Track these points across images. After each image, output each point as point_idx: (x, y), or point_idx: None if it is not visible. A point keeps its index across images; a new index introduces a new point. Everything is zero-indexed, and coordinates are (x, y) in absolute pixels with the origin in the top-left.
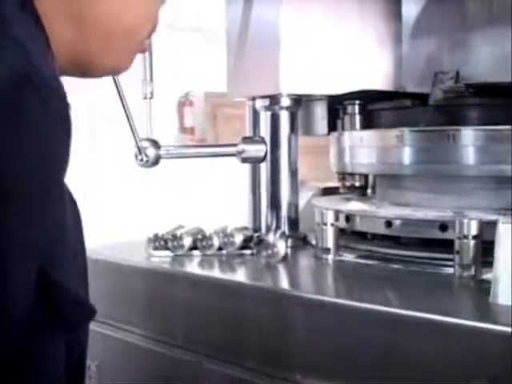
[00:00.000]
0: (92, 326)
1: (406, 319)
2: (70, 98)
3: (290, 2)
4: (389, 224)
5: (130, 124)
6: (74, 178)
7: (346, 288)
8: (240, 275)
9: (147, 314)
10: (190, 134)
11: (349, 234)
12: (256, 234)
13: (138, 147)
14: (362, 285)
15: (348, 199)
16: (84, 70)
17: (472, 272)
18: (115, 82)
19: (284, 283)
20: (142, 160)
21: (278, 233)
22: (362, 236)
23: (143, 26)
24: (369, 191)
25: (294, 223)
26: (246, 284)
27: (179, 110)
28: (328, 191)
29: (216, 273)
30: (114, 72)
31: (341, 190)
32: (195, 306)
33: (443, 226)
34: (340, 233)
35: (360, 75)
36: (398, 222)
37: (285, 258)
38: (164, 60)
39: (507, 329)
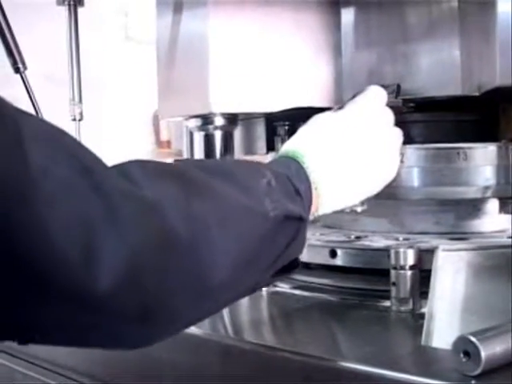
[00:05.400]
0: None
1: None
2: None
3: (218, 15)
4: (333, 254)
5: None
6: None
7: (268, 330)
8: None
9: None
10: (167, 148)
11: None
12: None
13: None
14: (287, 323)
15: None
16: None
17: (410, 306)
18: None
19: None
20: None
21: None
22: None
23: None
24: None
25: None
26: None
27: (155, 123)
28: None
29: None
30: None
31: None
32: None
33: (381, 256)
34: None
35: (297, 91)
36: (340, 251)
37: None
38: (137, 74)
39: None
